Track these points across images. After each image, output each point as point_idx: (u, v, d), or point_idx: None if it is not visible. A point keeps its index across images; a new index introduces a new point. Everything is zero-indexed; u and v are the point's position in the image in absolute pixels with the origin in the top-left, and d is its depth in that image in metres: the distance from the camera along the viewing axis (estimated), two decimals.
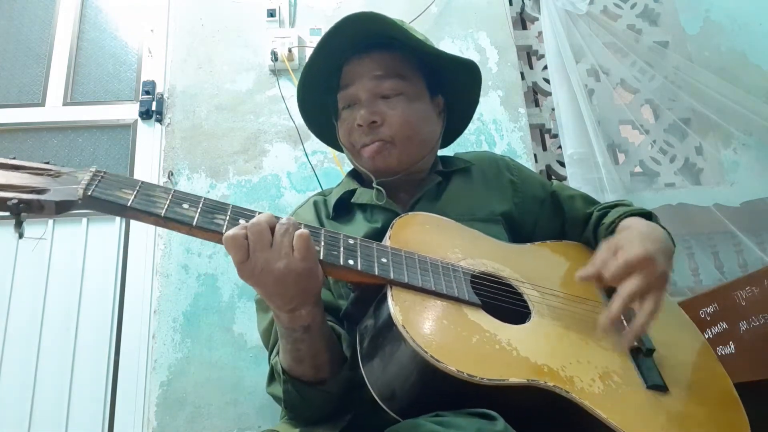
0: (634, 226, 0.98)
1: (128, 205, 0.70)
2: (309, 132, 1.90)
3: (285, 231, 0.74)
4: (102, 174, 0.71)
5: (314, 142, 1.93)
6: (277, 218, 0.76)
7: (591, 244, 1.12)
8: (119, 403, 1.70)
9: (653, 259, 0.85)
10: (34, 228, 1.85)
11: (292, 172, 1.92)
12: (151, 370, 1.68)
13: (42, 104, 2.06)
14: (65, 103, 2.07)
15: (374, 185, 1.06)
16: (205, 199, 0.75)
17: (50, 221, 1.86)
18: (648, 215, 1.08)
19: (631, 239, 0.89)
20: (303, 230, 0.75)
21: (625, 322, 0.89)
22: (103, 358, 1.74)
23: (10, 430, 1.65)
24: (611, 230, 1.05)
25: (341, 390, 0.86)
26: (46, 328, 1.77)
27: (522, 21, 2.32)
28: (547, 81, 2.12)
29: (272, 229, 0.74)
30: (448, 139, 1.24)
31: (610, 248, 0.89)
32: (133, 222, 1.86)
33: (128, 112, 2.04)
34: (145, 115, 1.99)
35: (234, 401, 1.63)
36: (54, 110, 2.05)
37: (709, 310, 1.34)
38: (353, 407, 0.86)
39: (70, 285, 1.81)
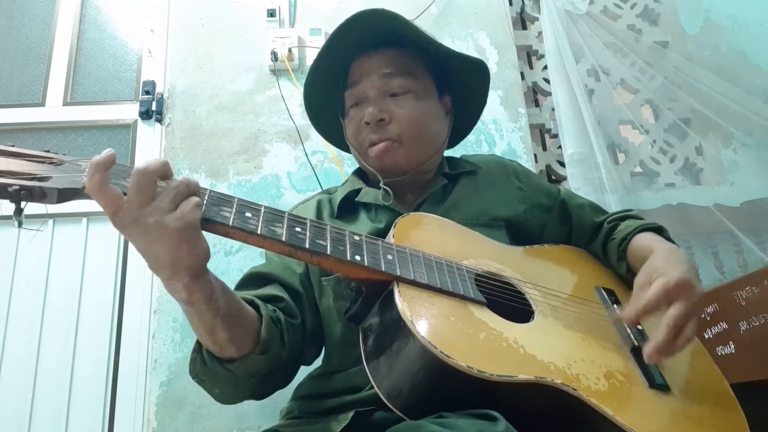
0: (657, 249, 0.95)
1: None
2: (309, 132, 1.94)
3: (175, 189, 0.66)
4: None
5: (314, 142, 1.92)
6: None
7: (599, 256, 1.12)
8: (119, 403, 1.69)
9: (691, 283, 0.84)
10: (33, 226, 1.84)
11: (292, 172, 1.91)
12: (151, 370, 1.67)
13: (42, 104, 2.05)
14: (65, 103, 2.06)
15: (381, 185, 1.05)
16: (211, 191, 0.73)
17: (50, 221, 1.86)
18: (658, 229, 1.07)
19: (664, 264, 0.88)
20: (195, 198, 0.68)
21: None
22: (103, 358, 1.73)
23: (10, 430, 1.64)
24: (623, 247, 1.04)
25: (249, 376, 0.83)
26: (46, 328, 1.76)
27: (522, 21, 2.32)
28: (547, 81, 2.12)
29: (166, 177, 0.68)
30: (453, 140, 1.23)
31: (646, 280, 0.87)
32: None
33: (128, 112, 2.04)
34: (145, 115, 1.99)
35: None
36: (54, 110, 2.04)
37: (709, 310, 1.34)
38: (354, 406, 0.85)
39: (70, 285, 1.80)
